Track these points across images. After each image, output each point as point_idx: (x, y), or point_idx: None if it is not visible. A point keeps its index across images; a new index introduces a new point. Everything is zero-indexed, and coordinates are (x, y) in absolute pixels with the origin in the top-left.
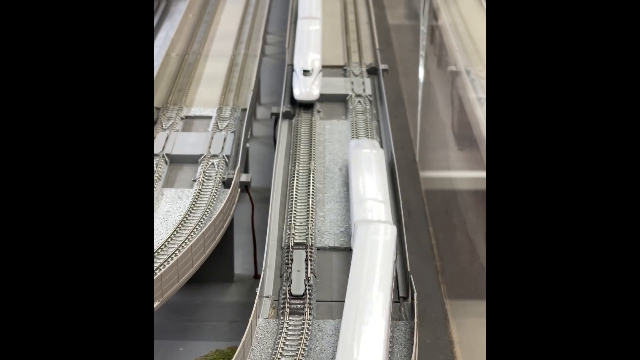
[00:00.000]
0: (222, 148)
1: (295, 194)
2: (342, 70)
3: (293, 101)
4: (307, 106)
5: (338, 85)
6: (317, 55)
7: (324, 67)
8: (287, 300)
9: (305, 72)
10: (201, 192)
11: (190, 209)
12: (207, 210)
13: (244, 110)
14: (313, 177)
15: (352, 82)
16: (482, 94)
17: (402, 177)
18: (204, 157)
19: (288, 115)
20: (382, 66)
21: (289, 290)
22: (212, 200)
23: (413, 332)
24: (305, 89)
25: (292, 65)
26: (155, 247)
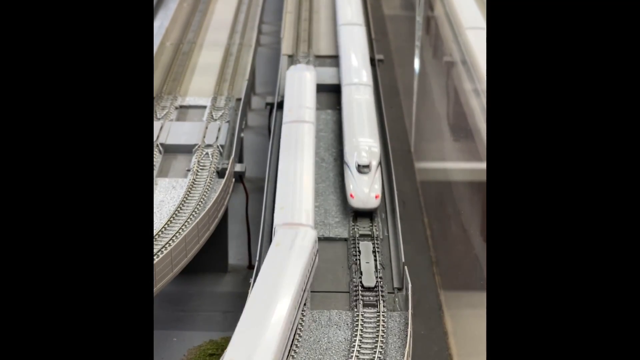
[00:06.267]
0: (217, 138)
1: None
2: (336, 60)
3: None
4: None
5: (333, 75)
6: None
7: (319, 57)
8: None
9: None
10: (195, 182)
11: (184, 199)
12: (201, 200)
13: (239, 100)
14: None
15: None
16: (478, 84)
17: (397, 167)
18: (198, 146)
19: (283, 105)
20: (377, 56)
21: None
22: (206, 190)
23: (407, 323)
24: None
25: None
26: None
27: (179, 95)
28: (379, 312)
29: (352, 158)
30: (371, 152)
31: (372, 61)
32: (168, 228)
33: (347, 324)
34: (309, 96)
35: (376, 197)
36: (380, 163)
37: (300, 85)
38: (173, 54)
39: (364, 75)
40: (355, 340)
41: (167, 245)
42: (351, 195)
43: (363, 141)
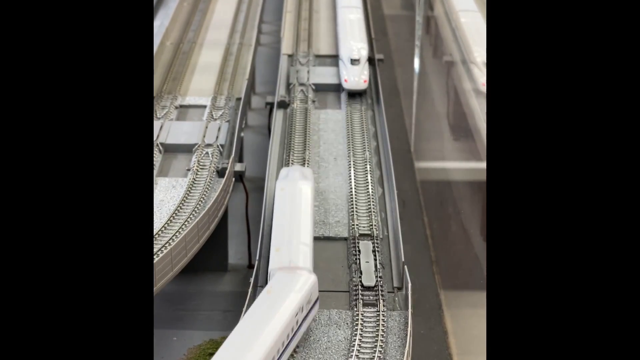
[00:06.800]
0: (217, 137)
1: None
2: (336, 60)
3: (288, 90)
4: (303, 96)
5: (333, 75)
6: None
7: (318, 56)
8: None
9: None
10: (195, 182)
11: (184, 198)
12: (201, 199)
13: (239, 99)
14: (307, 166)
15: None
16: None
17: (397, 167)
18: (198, 146)
19: (283, 105)
20: (377, 56)
21: None
22: (206, 190)
23: (407, 322)
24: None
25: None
26: None
27: (179, 94)
28: (379, 311)
29: (346, 55)
30: (361, 51)
31: (371, 60)
32: (168, 227)
33: (347, 323)
34: (305, 226)
35: (364, 81)
36: (367, 60)
37: (293, 208)
38: (173, 53)
39: (355, 0)
40: (355, 339)
41: (167, 245)
42: (345, 80)
43: (354, 44)
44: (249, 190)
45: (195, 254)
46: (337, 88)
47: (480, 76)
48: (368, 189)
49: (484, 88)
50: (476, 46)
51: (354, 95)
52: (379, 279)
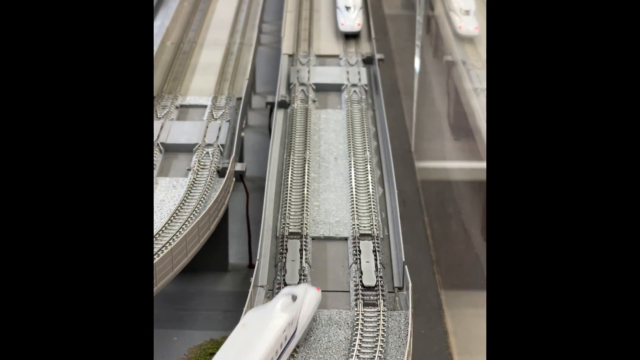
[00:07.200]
0: (217, 137)
1: (290, 184)
2: (337, 59)
3: (289, 90)
4: (303, 96)
5: (334, 75)
6: None
7: (319, 56)
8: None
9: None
10: (196, 181)
11: (185, 198)
12: (202, 199)
13: (239, 99)
14: (308, 166)
15: (347, 72)
16: (479, 84)
17: (397, 167)
18: (199, 146)
19: (283, 105)
20: (378, 55)
21: (284, 280)
22: (206, 190)
23: (407, 322)
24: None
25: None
26: None
27: (179, 94)
28: (380, 311)
29: (342, 3)
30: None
31: (372, 60)
32: (168, 227)
33: (348, 323)
34: None
35: (358, 24)
36: (361, 8)
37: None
38: (174, 53)
39: None
40: (356, 339)
41: (167, 245)
42: (342, 24)
43: None
44: (249, 190)
45: (196, 254)
46: (338, 88)
47: (458, 21)
48: (369, 188)
49: (460, 31)
50: None
51: (353, 89)
52: (379, 279)
